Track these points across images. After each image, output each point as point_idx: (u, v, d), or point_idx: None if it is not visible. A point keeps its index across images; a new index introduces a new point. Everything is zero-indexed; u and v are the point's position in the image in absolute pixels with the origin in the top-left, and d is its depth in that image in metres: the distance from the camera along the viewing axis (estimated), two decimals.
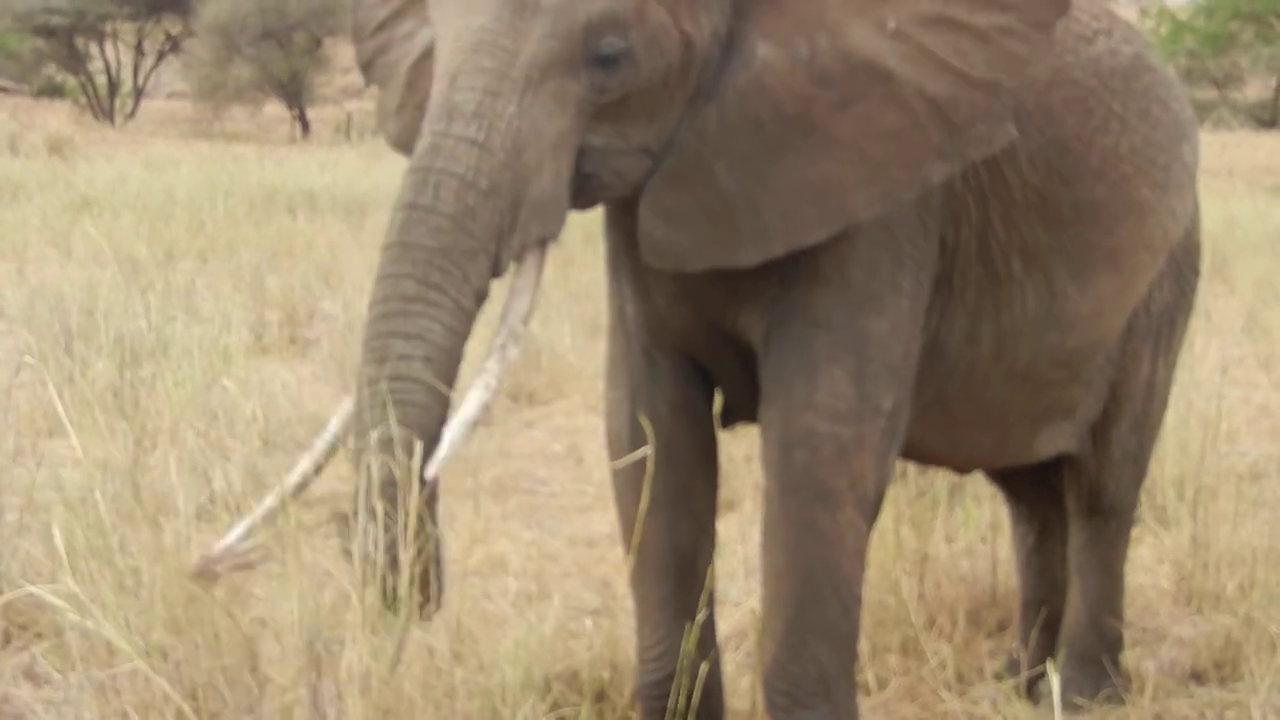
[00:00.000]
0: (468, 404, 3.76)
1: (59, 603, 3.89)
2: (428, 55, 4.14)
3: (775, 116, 4.05)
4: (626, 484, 4.50)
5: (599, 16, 3.83)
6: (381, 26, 4.59)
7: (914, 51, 4.08)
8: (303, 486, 3.97)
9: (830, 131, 4.06)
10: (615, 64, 3.87)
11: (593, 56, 3.85)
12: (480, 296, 3.81)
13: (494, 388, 3.82)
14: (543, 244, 3.93)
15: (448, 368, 3.76)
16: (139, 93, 53.78)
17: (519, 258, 3.89)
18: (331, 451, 3.99)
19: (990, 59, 4.11)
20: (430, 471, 3.68)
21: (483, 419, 3.81)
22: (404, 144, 4.26)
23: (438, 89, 3.86)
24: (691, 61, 4.00)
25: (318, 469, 3.99)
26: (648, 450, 4.07)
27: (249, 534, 3.91)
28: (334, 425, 4.00)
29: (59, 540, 4.22)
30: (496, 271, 3.83)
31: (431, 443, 3.68)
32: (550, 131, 3.84)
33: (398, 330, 3.73)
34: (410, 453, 3.63)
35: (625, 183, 4.04)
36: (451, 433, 3.72)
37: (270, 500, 3.95)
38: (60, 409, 4.70)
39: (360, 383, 3.76)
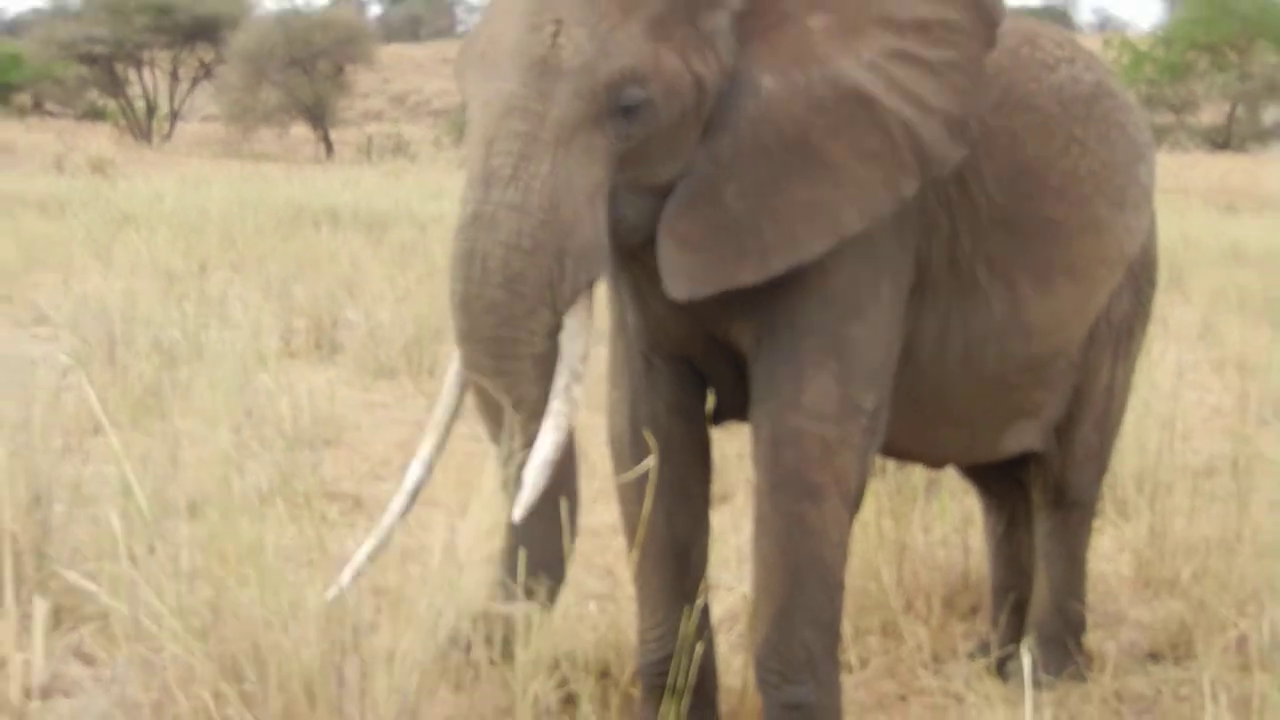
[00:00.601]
0: (542, 445, 3.83)
1: (105, 588, 3.90)
2: None
3: (779, 142, 4.08)
4: (629, 480, 4.52)
5: (619, 72, 3.85)
6: None
7: (887, 81, 4.14)
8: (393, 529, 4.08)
9: (824, 155, 4.11)
10: (637, 113, 3.89)
11: (616, 109, 3.87)
12: (551, 333, 3.87)
13: (565, 427, 3.86)
14: (589, 285, 3.95)
15: (542, 408, 3.87)
16: (175, 116, 53.77)
17: (572, 301, 3.90)
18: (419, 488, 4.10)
19: (940, 89, 4.20)
20: (517, 515, 3.82)
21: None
22: None
23: (475, 155, 3.88)
24: (704, 99, 4.02)
25: (410, 506, 4.09)
26: (651, 461, 4.09)
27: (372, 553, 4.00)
28: (416, 468, 4.12)
29: (116, 525, 4.24)
30: (557, 314, 3.87)
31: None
32: (583, 184, 3.86)
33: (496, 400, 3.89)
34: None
35: (651, 220, 4.06)
36: (532, 475, 3.82)
37: (384, 524, 4.05)
38: (99, 411, 4.69)
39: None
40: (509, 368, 3.84)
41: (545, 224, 3.80)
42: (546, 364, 3.87)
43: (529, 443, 3.86)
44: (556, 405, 3.86)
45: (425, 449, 4.12)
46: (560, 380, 3.88)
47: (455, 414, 4.10)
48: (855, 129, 4.13)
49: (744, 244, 4.08)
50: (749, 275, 4.10)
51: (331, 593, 3.88)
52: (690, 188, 4.05)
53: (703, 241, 4.05)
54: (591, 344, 3.98)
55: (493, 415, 3.97)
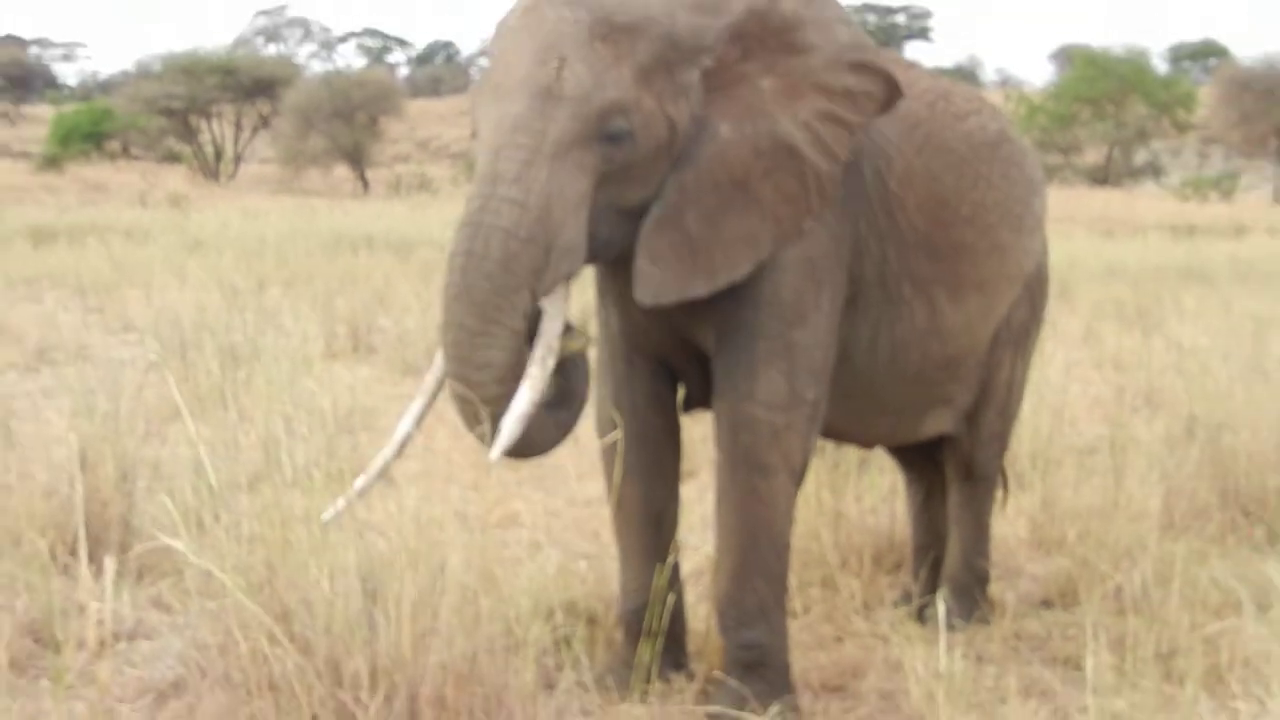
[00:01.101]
0: (517, 402, 3.87)
1: (180, 548, 3.89)
2: None
3: (728, 179, 4.13)
4: (611, 459, 4.52)
5: (609, 103, 3.91)
6: None
7: (814, 138, 4.21)
8: (385, 468, 4.15)
9: (756, 193, 4.17)
10: (620, 140, 3.95)
11: (604, 134, 3.93)
12: (527, 317, 3.90)
13: (539, 389, 3.90)
14: (568, 278, 3.99)
15: (513, 377, 3.88)
16: (238, 159, 53.83)
17: (550, 290, 3.94)
18: (406, 440, 4.15)
19: (842, 147, 4.27)
20: (494, 455, 3.87)
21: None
22: None
23: (484, 160, 3.92)
24: (675, 138, 4.07)
25: (398, 453, 4.15)
26: (618, 435, 4.09)
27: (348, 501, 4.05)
28: (406, 422, 4.15)
29: (188, 497, 4.23)
30: (536, 299, 3.91)
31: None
32: (572, 193, 3.90)
33: (469, 359, 3.88)
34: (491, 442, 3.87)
35: (622, 239, 4.10)
36: (508, 425, 3.85)
37: (374, 466, 4.13)
38: (180, 401, 4.68)
39: (451, 393, 3.96)
40: (487, 329, 3.85)
41: (539, 220, 3.85)
42: (518, 340, 3.90)
43: (491, 409, 3.89)
44: (533, 370, 3.91)
45: (414, 407, 4.16)
46: (538, 350, 3.93)
47: (441, 384, 4.11)
48: (781, 174, 4.19)
49: (697, 263, 4.13)
50: (699, 289, 4.15)
51: (326, 516, 3.96)
52: (660, 210, 4.10)
53: (667, 257, 4.10)
54: (564, 324, 4.01)
55: (466, 379, 3.98)
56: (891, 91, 4.32)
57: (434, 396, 4.15)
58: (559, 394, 4.07)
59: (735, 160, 4.14)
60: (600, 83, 3.91)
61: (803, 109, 4.20)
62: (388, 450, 4.12)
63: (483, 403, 3.86)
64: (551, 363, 3.95)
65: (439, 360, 4.08)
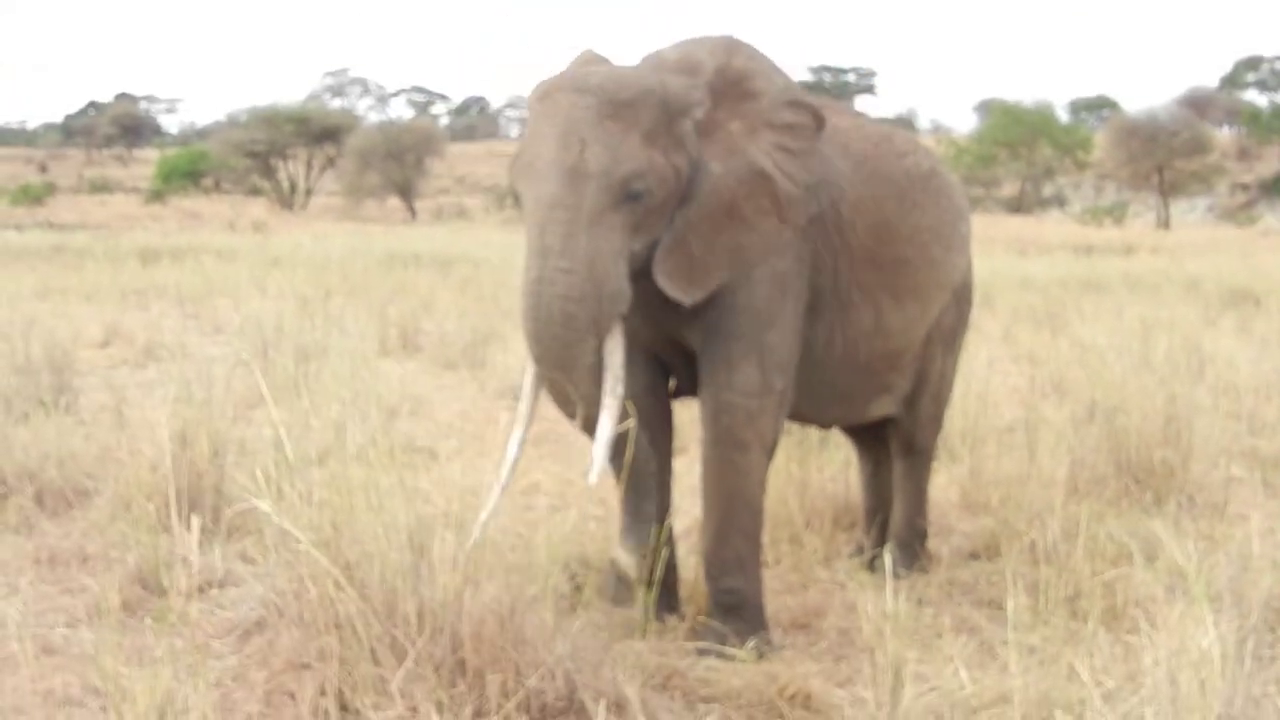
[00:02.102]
0: (603, 430, 3.93)
1: (264, 509, 3.87)
2: None
3: (720, 206, 4.15)
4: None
5: (628, 173, 3.91)
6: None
7: (775, 164, 4.22)
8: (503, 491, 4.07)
9: (741, 213, 4.17)
10: (640, 197, 3.95)
11: (627, 196, 3.92)
12: (597, 350, 3.94)
13: (616, 413, 3.94)
14: (620, 316, 3.99)
15: (596, 398, 3.96)
16: (309, 192, 53.82)
17: (609, 329, 3.96)
18: (515, 465, 4.12)
19: (800, 169, 4.28)
20: (593, 479, 3.93)
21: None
22: None
23: (532, 234, 3.91)
24: (680, 181, 4.09)
25: (511, 471, 4.10)
26: (631, 423, 4.07)
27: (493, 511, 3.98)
28: (513, 450, 4.10)
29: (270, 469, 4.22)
30: (599, 338, 3.93)
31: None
32: (609, 250, 3.90)
33: (566, 398, 3.98)
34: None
35: (643, 263, 4.10)
36: (597, 451, 3.92)
37: (497, 492, 4.04)
38: (265, 390, 4.67)
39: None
40: (570, 377, 3.91)
41: (587, 280, 3.84)
42: (596, 370, 3.95)
43: (588, 425, 3.97)
44: (608, 400, 3.94)
45: (517, 433, 4.11)
46: (608, 383, 3.96)
47: (535, 408, 4.13)
48: (758, 196, 4.20)
49: (693, 274, 4.14)
50: (693, 296, 4.17)
51: (470, 543, 3.78)
52: (670, 238, 4.11)
53: (674, 273, 4.11)
54: (625, 359, 4.06)
55: (562, 403, 4.05)
56: (818, 120, 4.34)
57: (529, 423, 4.13)
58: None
59: (725, 190, 4.16)
60: (617, 157, 3.90)
61: (762, 142, 4.23)
62: (504, 473, 4.07)
63: (586, 412, 3.97)
64: (621, 389, 3.97)
65: (528, 390, 4.10)
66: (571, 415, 4.05)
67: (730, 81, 4.25)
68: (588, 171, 3.87)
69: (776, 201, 4.22)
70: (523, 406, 4.13)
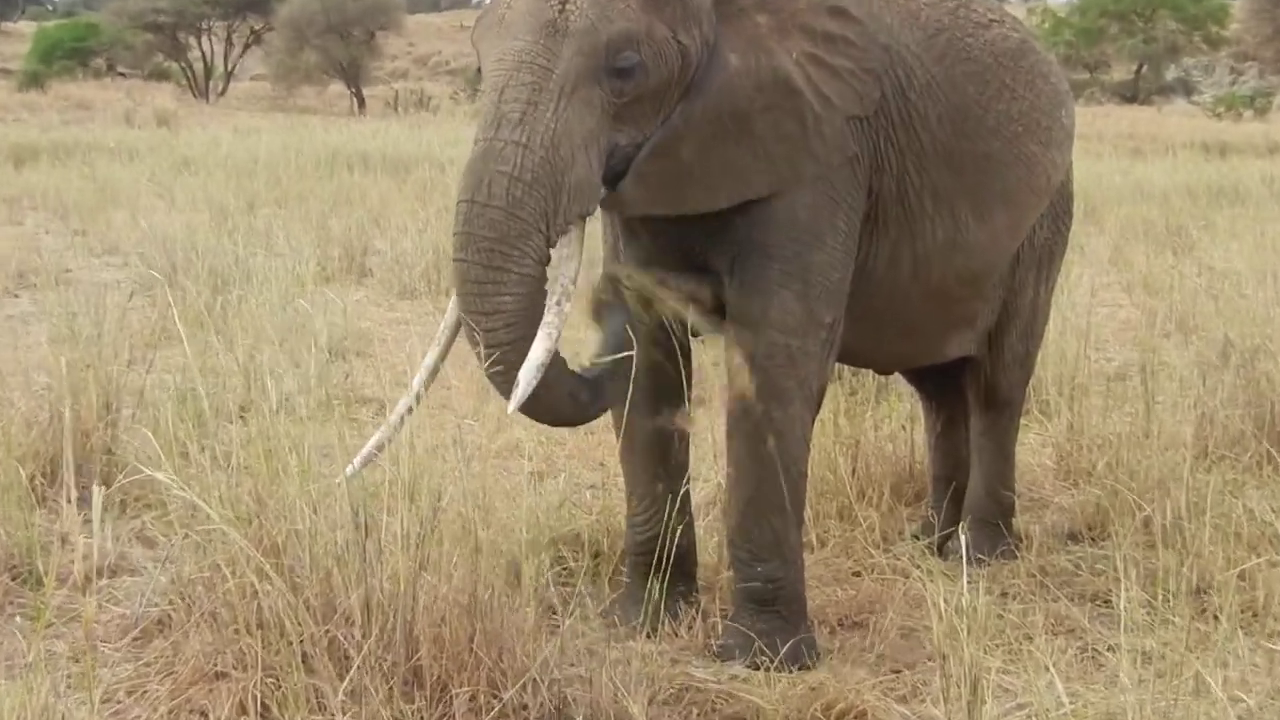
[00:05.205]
0: (535, 351, 3.84)
1: (165, 479, 3.86)
2: None
3: (730, 110, 4.17)
4: None
5: (617, 35, 3.91)
6: None
7: (805, 77, 4.23)
8: (399, 426, 4.02)
9: (753, 128, 4.19)
10: (630, 73, 3.95)
11: (612, 68, 3.92)
12: (541, 261, 3.89)
13: (555, 336, 3.88)
14: (581, 218, 3.99)
15: (528, 321, 3.86)
16: (229, 76, 53.70)
17: (564, 231, 3.94)
18: (419, 398, 4.08)
19: (842, 91, 4.29)
20: (511, 409, 3.83)
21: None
22: None
23: (488, 100, 3.92)
24: (688, 67, 4.09)
25: (411, 410, 4.05)
26: (632, 353, 4.05)
27: (377, 447, 4.01)
28: (419, 378, 4.12)
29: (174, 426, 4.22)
30: (550, 242, 3.90)
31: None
32: (580, 130, 3.90)
33: (478, 309, 3.86)
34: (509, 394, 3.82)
35: None
36: (525, 375, 3.81)
37: (384, 429, 4.05)
38: (157, 330, 4.66)
39: (469, 341, 3.93)
40: (495, 277, 3.84)
41: (545, 161, 3.84)
42: (531, 285, 3.88)
43: (493, 354, 3.86)
44: (549, 317, 3.89)
45: (430, 358, 4.14)
46: (553, 296, 3.91)
47: (456, 330, 4.10)
48: (778, 112, 4.21)
49: (679, 187, 4.17)
50: (665, 209, 4.21)
51: (343, 478, 3.88)
52: (659, 137, 4.11)
53: (652, 180, 4.12)
54: (581, 268, 3.99)
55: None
56: (871, 38, 4.34)
57: (448, 346, 4.14)
58: (602, 373, 4.07)
59: (739, 91, 4.17)
60: (607, 14, 3.91)
61: (793, 48, 4.23)
62: (402, 403, 4.08)
63: (494, 348, 3.84)
64: (568, 307, 3.94)
65: (452, 308, 4.08)
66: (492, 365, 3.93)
67: None
68: (568, 28, 3.88)
69: (803, 126, 4.23)
70: (442, 327, 4.15)
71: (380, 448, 4.02)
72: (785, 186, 4.27)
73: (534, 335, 3.85)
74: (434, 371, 4.13)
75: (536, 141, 3.84)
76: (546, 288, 3.92)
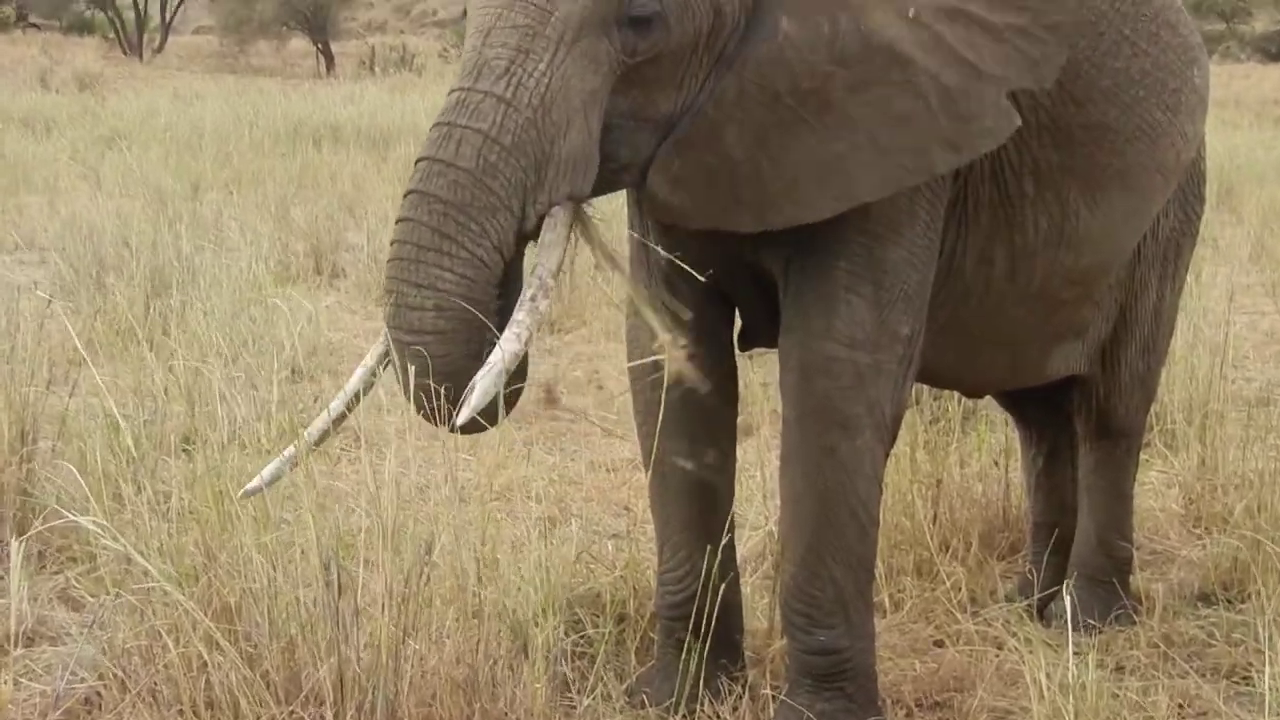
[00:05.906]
0: (497, 353, 3.73)
1: (93, 528, 3.88)
2: None
3: (791, 90, 4.05)
4: (647, 408, 4.50)
5: None
6: None
7: (931, 40, 4.09)
8: (324, 435, 3.99)
9: (844, 111, 4.08)
10: (648, 25, 3.86)
11: (626, 15, 3.84)
12: (502, 250, 3.79)
13: (525, 338, 3.79)
14: (573, 200, 3.89)
15: (463, 315, 3.74)
16: (166, 28, 53.74)
17: (549, 213, 3.85)
18: (355, 401, 4.01)
19: (1001, 56, 4.17)
20: (461, 419, 3.69)
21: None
22: None
23: (470, 44, 3.86)
24: (720, 28, 3.99)
25: (340, 419, 4.01)
26: (661, 359, 4.05)
27: (278, 472, 3.94)
28: (357, 375, 4.04)
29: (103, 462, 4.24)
30: (524, 228, 3.81)
31: (461, 381, 3.70)
32: (580, 90, 3.83)
33: (409, 278, 3.76)
34: (433, 400, 3.67)
35: (641, 160, 4.01)
36: (482, 381, 3.71)
37: (293, 447, 3.96)
38: (81, 343, 4.68)
39: (385, 330, 3.80)
40: (441, 245, 3.75)
41: (531, 123, 3.78)
42: (480, 272, 3.77)
43: (411, 343, 3.77)
44: (520, 316, 3.80)
45: (371, 356, 4.04)
46: (528, 291, 3.83)
47: None
48: (882, 89, 4.09)
49: (740, 190, 4.06)
50: (746, 224, 4.11)
51: (249, 489, 3.87)
52: (689, 127, 4.02)
53: (694, 181, 4.03)
54: (566, 261, 3.93)
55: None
56: None
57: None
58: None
59: (801, 66, 4.04)
60: None
61: (912, 2, 4.10)
62: (334, 403, 4.03)
63: (414, 334, 3.75)
64: (544, 305, 3.85)
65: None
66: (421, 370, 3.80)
67: None
68: None
69: (924, 104, 4.10)
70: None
71: (297, 460, 3.95)
72: (908, 185, 4.19)
73: (465, 343, 3.77)
74: (373, 372, 4.03)
75: (524, 99, 3.78)
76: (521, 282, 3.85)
